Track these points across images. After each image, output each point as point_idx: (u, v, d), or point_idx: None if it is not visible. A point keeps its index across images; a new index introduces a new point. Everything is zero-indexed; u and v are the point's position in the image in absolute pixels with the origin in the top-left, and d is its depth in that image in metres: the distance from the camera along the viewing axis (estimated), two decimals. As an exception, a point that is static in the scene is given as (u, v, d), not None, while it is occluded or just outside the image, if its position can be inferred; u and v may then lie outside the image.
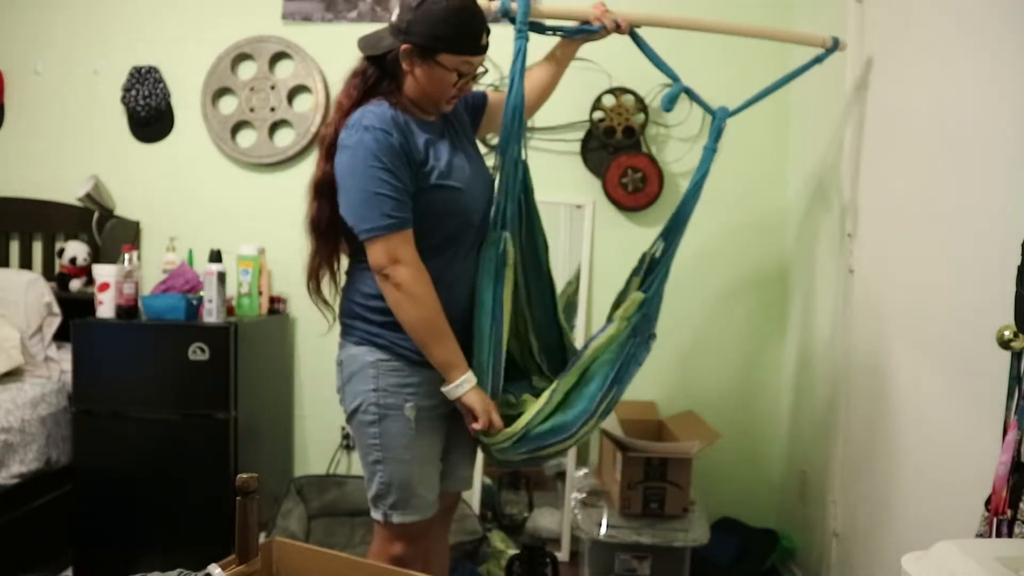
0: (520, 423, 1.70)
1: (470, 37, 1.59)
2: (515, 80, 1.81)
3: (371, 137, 1.55)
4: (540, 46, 1.94)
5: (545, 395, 1.75)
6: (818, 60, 2.14)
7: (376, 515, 1.71)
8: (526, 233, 1.85)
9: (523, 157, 1.82)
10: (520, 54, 1.83)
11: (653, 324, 1.90)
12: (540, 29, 1.93)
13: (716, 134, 2.05)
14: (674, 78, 2.02)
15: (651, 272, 1.94)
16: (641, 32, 1.99)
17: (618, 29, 1.91)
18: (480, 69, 1.67)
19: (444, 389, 1.64)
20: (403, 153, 1.57)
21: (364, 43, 1.67)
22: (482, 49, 1.63)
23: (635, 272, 2.00)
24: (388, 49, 1.63)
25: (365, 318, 1.68)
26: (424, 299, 1.59)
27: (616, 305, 1.96)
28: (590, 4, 1.94)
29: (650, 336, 1.90)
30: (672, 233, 1.98)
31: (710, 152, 2.03)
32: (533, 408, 1.73)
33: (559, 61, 1.95)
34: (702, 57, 2.75)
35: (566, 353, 1.90)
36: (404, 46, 1.59)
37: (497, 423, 1.67)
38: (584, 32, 1.92)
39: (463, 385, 1.63)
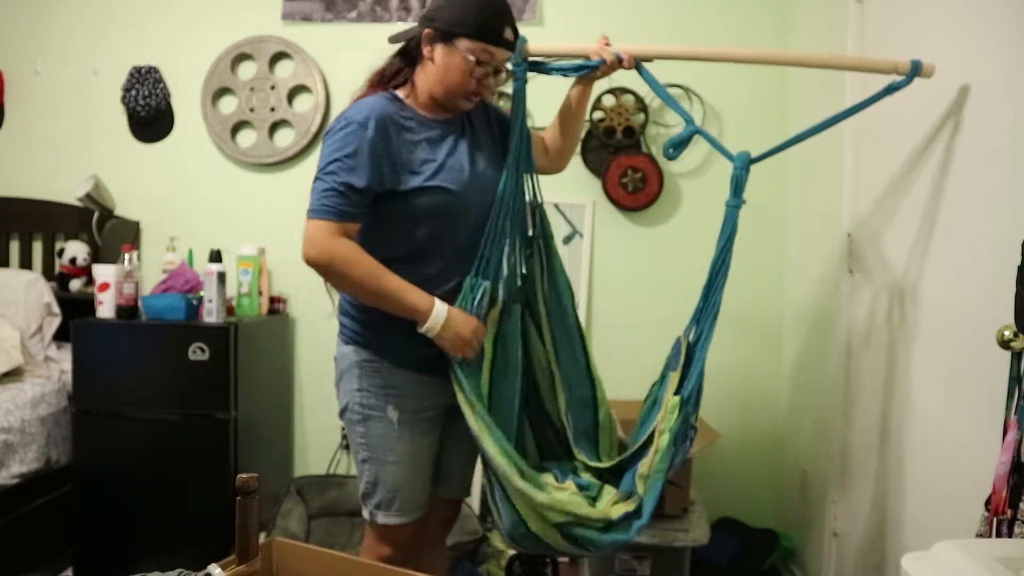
0: (572, 506, 1.59)
1: (493, 27, 1.58)
2: (517, 123, 1.73)
3: (344, 129, 1.56)
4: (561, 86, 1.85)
5: (597, 510, 1.61)
6: (891, 90, 1.69)
7: (364, 513, 1.72)
8: (548, 282, 1.77)
9: (540, 201, 1.77)
10: (517, 96, 1.74)
11: (694, 417, 1.68)
12: (539, 68, 1.79)
13: (736, 186, 1.71)
14: (687, 120, 1.78)
15: (689, 363, 1.68)
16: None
17: (621, 64, 1.75)
18: (503, 75, 1.64)
19: (421, 331, 1.56)
20: (375, 150, 1.54)
21: (394, 35, 1.70)
22: (504, 43, 1.60)
23: (670, 365, 1.73)
24: (412, 36, 1.65)
25: (353, 316, 1.68)
26: (347, 258, 1.53)
27: (650, 403, 1.76)
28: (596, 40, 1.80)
29: (691, 430, 1.67)
30: (705, 312, 1.70)
31: (733, 210, 1.71)
32: (583, 508, 1.60)
33: (571, 106, 1.84)
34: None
35: (598, 408, 1.79)
36: (426, 30, 1.61)
37: (476, 337, 1.59)
38: (585, 69, 1.76)
39: (433, 327, 1.55)
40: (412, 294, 1.56)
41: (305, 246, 1.54)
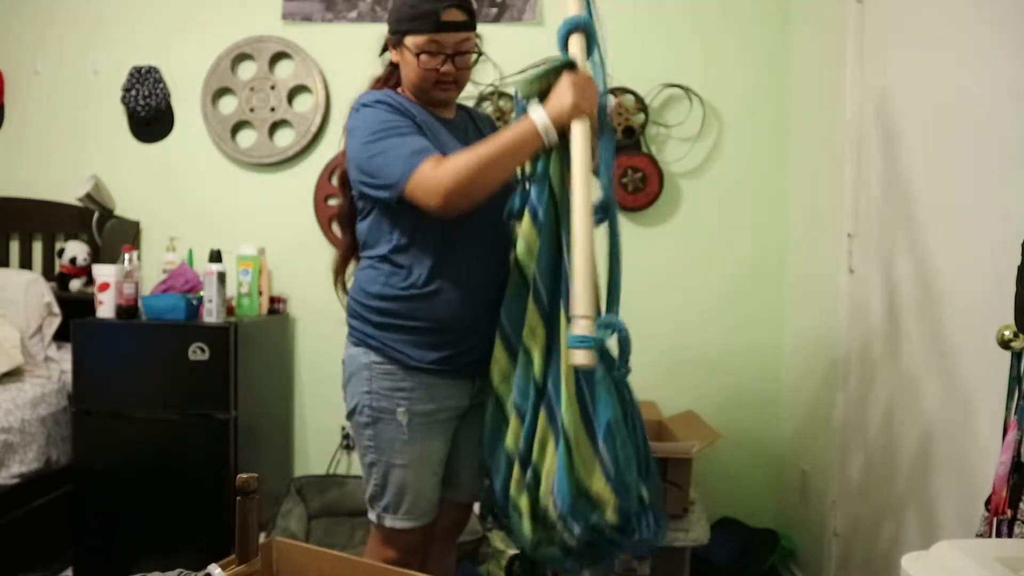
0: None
1: (427, 15, 1.56)
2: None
3: (371, 109, 1.59)
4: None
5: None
6: None
7: (371, 516, 1.71)
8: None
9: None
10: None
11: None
12: None
13: None
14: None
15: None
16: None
17: None
18: (472, 56, 1.63)
19: (547, 139, 1.50)
20: (405, 114, 1.58)
21: (380, 50, 1.74)
22: (445, 26, 1.56)
23: None
24: (383, 46, 1.71)
25: (364, 318, 1.67)
26: (456, 165, 1.48)
27: None
28: None
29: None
30: None
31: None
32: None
33: None
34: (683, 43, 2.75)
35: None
36: (387, 37, 1.66)
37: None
38: None
39: (544, 125, 1.49)
40: (511, 134, 1.50)
41: (427, 199, 1.49)
